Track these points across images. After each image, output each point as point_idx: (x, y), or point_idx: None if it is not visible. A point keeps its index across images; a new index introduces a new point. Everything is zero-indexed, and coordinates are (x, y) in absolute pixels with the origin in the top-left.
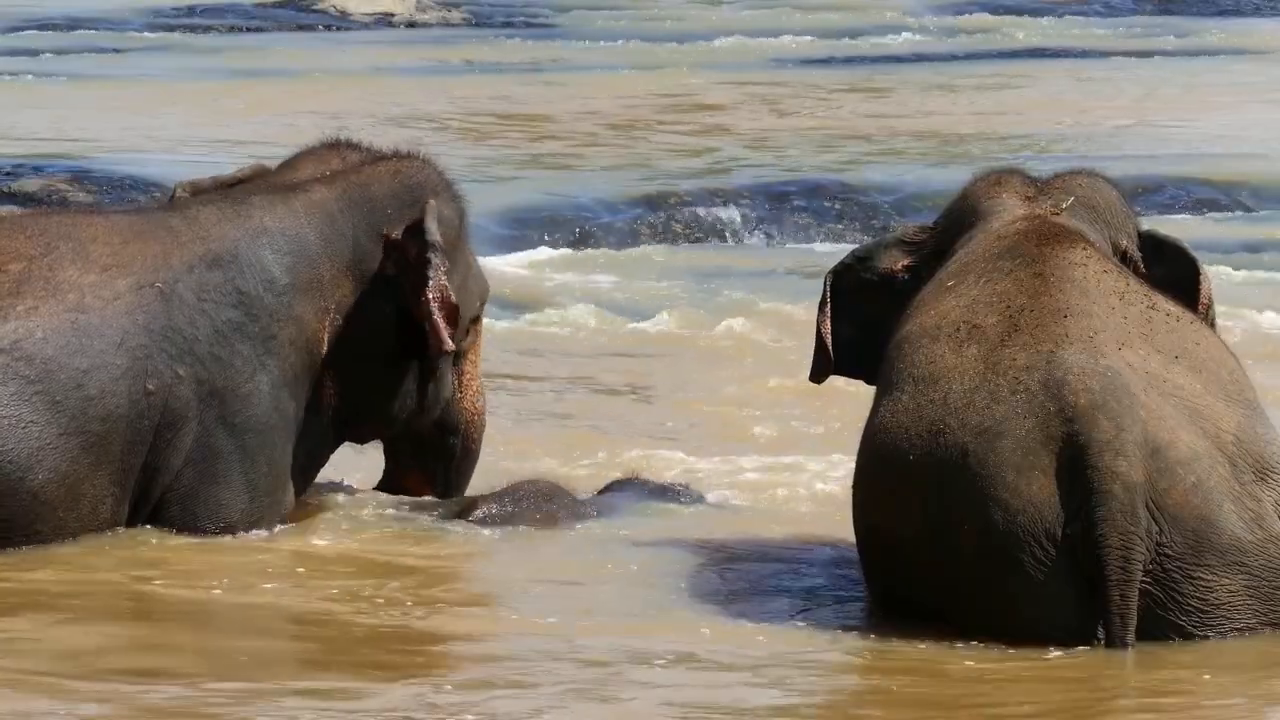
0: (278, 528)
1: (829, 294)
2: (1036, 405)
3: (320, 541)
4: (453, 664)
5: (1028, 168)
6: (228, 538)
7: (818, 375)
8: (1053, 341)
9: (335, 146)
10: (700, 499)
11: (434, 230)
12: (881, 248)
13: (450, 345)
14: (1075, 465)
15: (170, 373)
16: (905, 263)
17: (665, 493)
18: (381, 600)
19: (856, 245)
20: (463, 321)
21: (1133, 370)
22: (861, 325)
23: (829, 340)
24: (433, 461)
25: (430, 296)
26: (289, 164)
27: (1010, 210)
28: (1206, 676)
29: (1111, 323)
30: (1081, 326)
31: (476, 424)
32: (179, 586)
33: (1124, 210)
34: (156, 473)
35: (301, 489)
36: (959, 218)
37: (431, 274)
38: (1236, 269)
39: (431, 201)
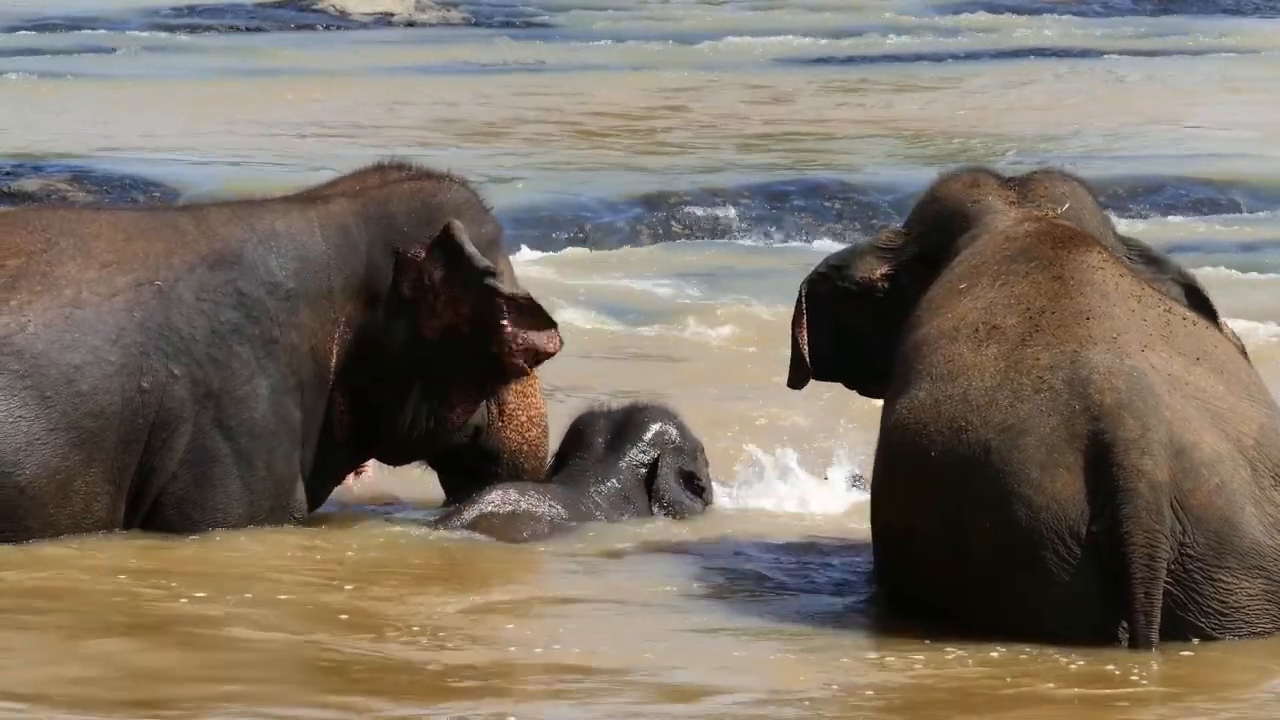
0: (282, 535)
1: (804, 303)
2: (1061, 403)
3: (330, 554)
4: (477, 696)
5: (995, 167)
6: (230, 550)
7: (797, 383)
8: (1076, 342)
9: (381, 167)
10: (665, 418)
11: (470, 250)
12: (856, 255)
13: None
14: (1100, 463)
15: (165, 371)
16: (883, 270)
17: (636, 423)
18: (401, 622)
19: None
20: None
21: (1156, 371)
22: (839, 333)
23: (805, 349)
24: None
25: (506, 326)
26: (333, 181)
27: (1000, 212)
28: (1232, 677)
29: (1133, 325)
30: (1104, 328)
31: (526, 454)
32: (177, 599)
33: (1102, 216)
34: (152, 473)
35: (315, 501)
36: (939, 221)
37: (501, 302)
38: (1232, 269)
39: (456, 222)
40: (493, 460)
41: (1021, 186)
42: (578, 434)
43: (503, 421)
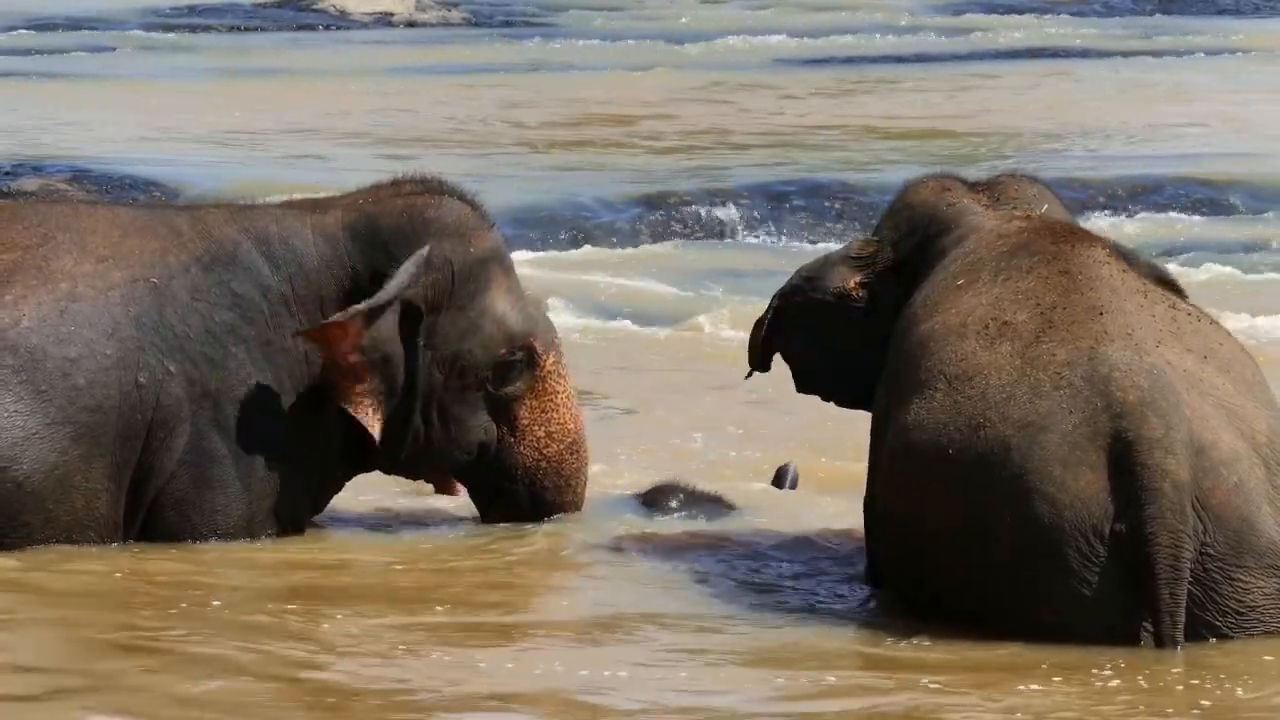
0: (283, 539)
1: (777, 314)
2: (1082, 400)
3: (337, 557)
4: None
5: (963, 172)
6: (227, 551)
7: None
8: (1092, 338)
9: (397, 180)
10: (730, 510)
11: (402, 278)
12: (829, 265)
13: (344, 403)
14: (1124, 462)
15: (161, 368)
16: (858, 279)
17: (705, 502)
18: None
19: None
20: (474, 368)
21: (1173, 368)
22: (817, 345)
23: (759, 351)
24: (502, 506)
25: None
26: (352, 191)
27: (977, 213)
28: (1255, 677)
29: (1144, 321)
30: (1118, 324)
31: (546, 471)
32: (174, 606)
33: (1070, 216)
34: (150, 473)
35: (314, 506)
36: (913, 226)
37: (351, 313)
38: (1232, 269)
39: (425, 248)
40: (508, 477)
41: (990, 190)
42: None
43: (515, 437)
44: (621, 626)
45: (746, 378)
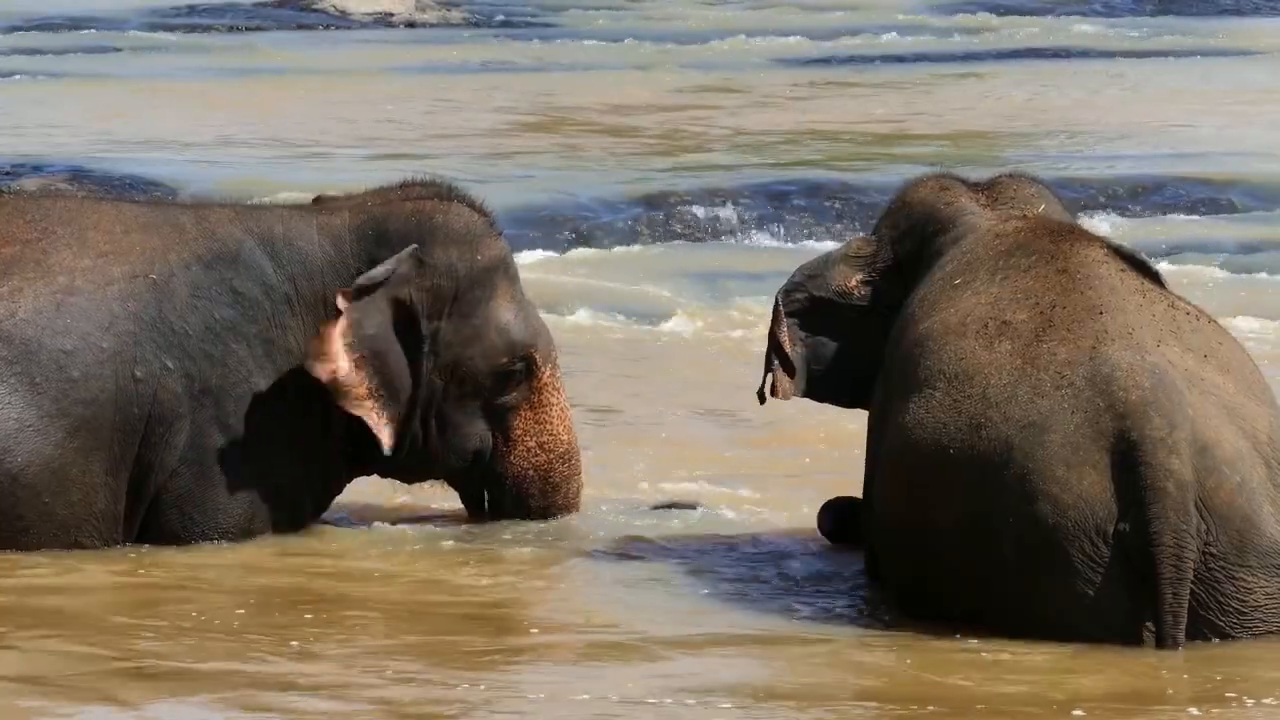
0: (284, 539)
1: (776, 313)
2: (1084, 400)
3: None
4: None
5: (960, 171)
6: (225, 552)
7: (777, 390)
8: (1092, 337)
9: (405, 184)
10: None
11: (377, 274)
12: (830, 264)
13: (324, 376)
14: (1127, 462)
15: (158, 363)
16: (860, 278)
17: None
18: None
19: None
20: (475, 376)
21: (1174, 368)
22: (814, 343)
23: (791, 352)
24: (491, 511)
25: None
26: (361, 193)
27: (975, 212)
28: (1258, 676)
29: (1144, 320)
30: (1118, 323)
31: (533, 480)
32: (183, 606)
33: (1070, 216)
34: (150, 469)
35: (316, 508)
36: (912, 225)
37: (342, 316)
38: (1232, 269)
39: (413, 246)
40: (497, 485)
41: (989, 189)
42: None
43: (507, 446)
44: (629, 642)
45: (778, 394)
